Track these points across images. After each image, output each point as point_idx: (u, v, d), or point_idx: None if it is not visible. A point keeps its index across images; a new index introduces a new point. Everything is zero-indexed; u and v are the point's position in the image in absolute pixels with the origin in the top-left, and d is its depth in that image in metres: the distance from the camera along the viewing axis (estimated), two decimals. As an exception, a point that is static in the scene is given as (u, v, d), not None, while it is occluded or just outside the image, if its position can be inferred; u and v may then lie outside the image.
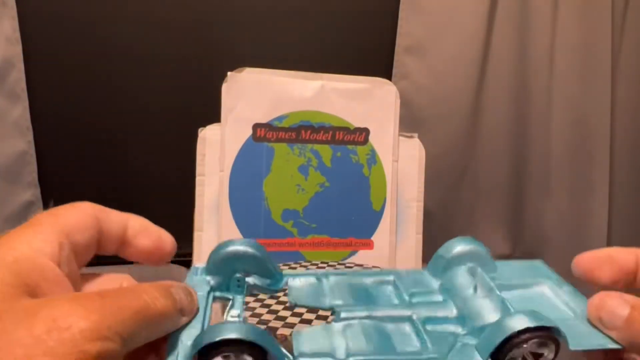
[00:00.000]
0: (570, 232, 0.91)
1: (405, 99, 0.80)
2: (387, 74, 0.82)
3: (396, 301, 0.22)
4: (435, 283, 0.23)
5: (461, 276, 0.23)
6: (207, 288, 0.22)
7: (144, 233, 0.22)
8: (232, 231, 0.66)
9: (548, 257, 0.91)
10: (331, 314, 0.21)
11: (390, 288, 0.23)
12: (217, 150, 0.67)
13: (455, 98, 0.85)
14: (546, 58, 0.86)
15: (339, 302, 0.22)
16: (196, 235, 0.66)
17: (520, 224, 0.92)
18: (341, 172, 0.60)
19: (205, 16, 0.79)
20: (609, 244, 0.92)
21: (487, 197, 0.90)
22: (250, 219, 0.67)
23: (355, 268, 0.22)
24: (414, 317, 0.21)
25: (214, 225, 0.66)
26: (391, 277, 0.23)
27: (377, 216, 0.58)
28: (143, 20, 0.78)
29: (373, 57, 0.85)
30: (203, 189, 0.66)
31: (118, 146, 0.79)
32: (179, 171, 0.71)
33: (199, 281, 0.23)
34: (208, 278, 0.23)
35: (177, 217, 0.75)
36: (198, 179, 0.67)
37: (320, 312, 0.38)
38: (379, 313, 0.21)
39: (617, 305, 0.20)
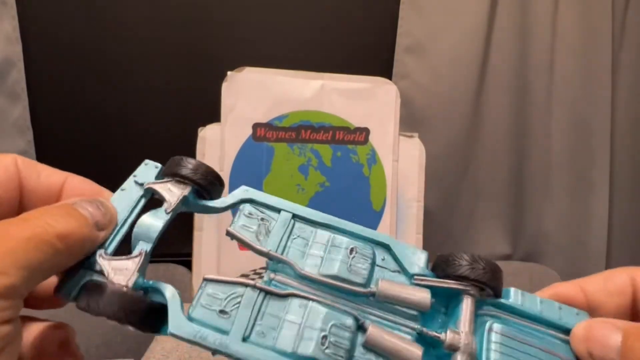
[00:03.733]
0: (570, 232, 0.91)
1: (406, 98, 0.80)
2: (387, 73, 0.82)
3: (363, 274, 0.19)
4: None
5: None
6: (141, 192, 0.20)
7: (81, 195, 0.19)
8: (232, 231, 0.66)
9: (548, 257, 0.91)
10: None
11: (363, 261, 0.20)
12: (217, 149, 0.67)
13: (455, 98, 0.85)
14: (546, 58, 0.86)
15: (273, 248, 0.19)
16: (196, 235, 0.66)
17: (520, 224, 0.92)
18: (341, 172, 0.60)
19: (205, 16, 0.79)
20: (609, 244, 0.92)
21: (487, 197, 0.90)
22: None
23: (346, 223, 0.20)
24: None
25: (214, 225, 0.66)
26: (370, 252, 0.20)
27: (377, 216, 0.58)
28: (143, 21, 0.78)
29: (373, 57, 0.85)
30: (203, 189, 0.66)
31: (118, 146, 0.79)
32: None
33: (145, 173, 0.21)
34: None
35: (177, 217, 0.75)
36: (198, 178, 0.67)
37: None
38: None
39: (608, 333, 0.17)
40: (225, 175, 0.67)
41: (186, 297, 0.75)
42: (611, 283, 0.19)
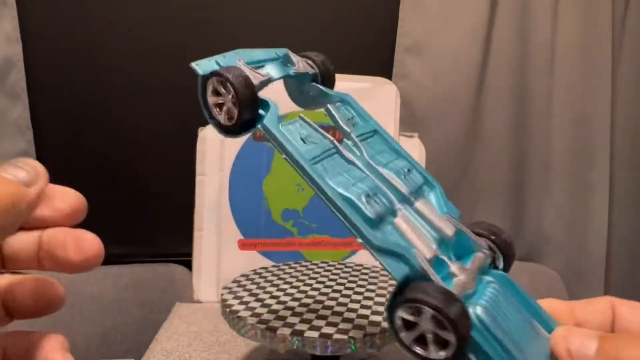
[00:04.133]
0: (570, 232, 0.91)
1: (405, 98, 0.79)
2: (387, 73, 0.82)
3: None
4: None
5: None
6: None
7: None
8: (232, 231, 0.66)
9: (548, 257, 0.91)
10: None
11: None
12: (217, 150, 0.67)
13: (455, 98, 0.85)
14: (546, 58, 0.86)
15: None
16: (196, 235, 0.66)
17: (520, 224, 0.92)
18: (341, 172, 0.60)
19: (205, 15, 0.79)
20: (609, 244, 0.92)
21: (487, 197, 0.90)
22: (250, 219, 0.67)
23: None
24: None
25: (214, 225, 0.66)
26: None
27: (377, 216, 0.58)
28: (143, 20, 0.78)
29: (373, 57, 0.85)
30: (203, 189, 0.66)
31: (118, 146, 0.79)
32: (179, 171, 0.71)
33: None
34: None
35: (177, 217, 0.75)
36: (198, 178, 0.67)
37: (321, 312, 0.38)
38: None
39: (586, 337, 0.18)
40: (225, 176, 0.67)
41: (186, 297, 0.75)
42: (594, 305, 0.20)
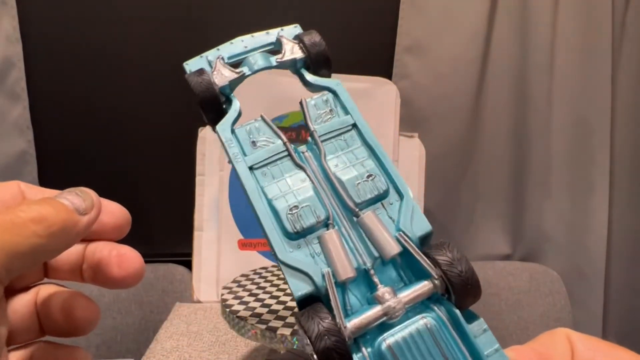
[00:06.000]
0: (570, 232, 0.91)
1: (405, 99, 0.79)
2: (387, 73, 0.82)
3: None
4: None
5: None
6: None
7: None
8: (232, 231, 0.66)
9: (548, 257, 0.91)
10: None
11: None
12: (217, 150, 0.67)
13: (455, 98, 0.85)
14: (546, 58, 0.86)
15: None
16: (196, 235, 0.66)
17: (520, 224, 0.92)
18: (341, 172, 0.60)
19: (206, 16, 0.79)
20: (609, 244, 0.92)
21: (487, 197, 0.90)
22: (250, 219, 0.67)
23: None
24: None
25: (214, 225, 0.66)
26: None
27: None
28: (143, 20, 0.78)
29: (373, 57, 0.85)
30: (203, 189, 0.66)
31: (118, 146, 0.79)
32: (179, 171, 0.71)
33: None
34: None
35: (177, 217, 0.75)
36: (198, 178, 0.67)
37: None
38: None
39: None
40: (225, 175, 0.67)
41: (186, 296, 0.75)
42: (554, 344, 0.19)
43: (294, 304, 0.40)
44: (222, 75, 0.24)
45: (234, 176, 0.67)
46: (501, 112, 0.87)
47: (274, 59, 0.25)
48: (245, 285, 0.45)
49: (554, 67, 0.87)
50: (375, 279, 0.19)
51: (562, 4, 0.85)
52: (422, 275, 0.19)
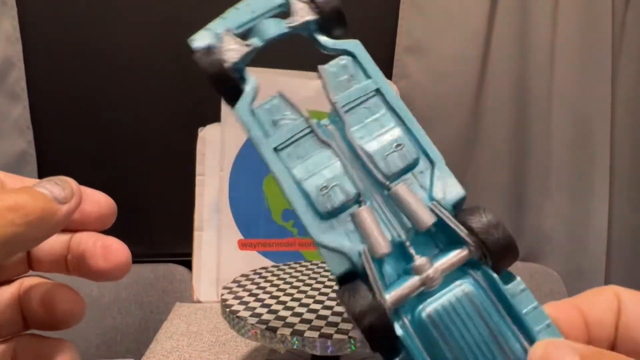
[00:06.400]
0: (570, 232, 0.91)
1: (405, 99, 0.79)
2: (387, 73, 0.82)
3: None
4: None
5: None
6: None
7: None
8: (232, 231, 0.66)
9: (548, 257, 0.91)
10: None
11: None
12: (217, 150, 0.67)
13: (455, 98, 0.85)
14: (546, 58, 0.86)
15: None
16: (196, 235, 0.66)
17: (520, 224, 0.92)
18: (341, 172, 0.60)
19: (205, 15, 0.79)
20: (609, 244, 0.92)
21: (487, 197, 0.90)
22: (250, 219, 0.67)
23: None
24: None
25: (214, 225, 0.66)
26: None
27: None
28: (143, 21, 0.78)
29: (373, 57, 0.85)
30: (203, 189, 0.66)
31: (118, 146, 0.79)
32: (179, 171, 0.71)
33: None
34: None
35: (177, 217, 0.75)
36: (198, 178, 0.67)
37: (321, 312, 0.38)
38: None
39: (564, 356, 0.16)
40: (225, 176, 0.67)
41: (186, 297, 0.75)
42: (599, 299, 0.19)
43: (294, 304, 0.40)
44: (232, 51, 0.22)
45: (234, 176, 0.67)
46: (501, 112, 0.87)
47: (284, 25, 0.23)
48: (245, 285, 0.45)
49: (554, 67, 0.87)
50: (411, 250, 0.19)
51: (562, 4, 0.85)
52: (457, 241, 0.19)
